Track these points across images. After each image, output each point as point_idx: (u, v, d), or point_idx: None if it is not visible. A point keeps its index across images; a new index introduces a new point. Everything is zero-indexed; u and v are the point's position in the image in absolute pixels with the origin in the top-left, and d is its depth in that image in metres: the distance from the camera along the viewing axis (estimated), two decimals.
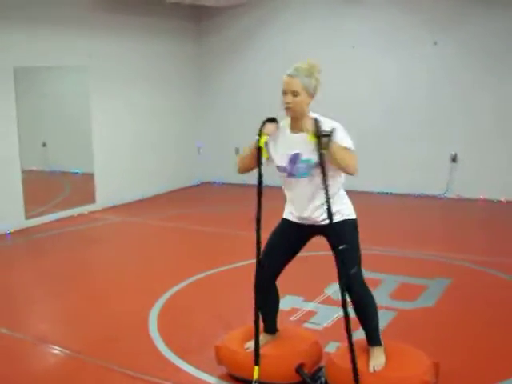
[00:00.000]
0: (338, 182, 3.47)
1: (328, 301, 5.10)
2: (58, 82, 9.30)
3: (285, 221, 3.65)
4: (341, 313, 4.70)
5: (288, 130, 3.49)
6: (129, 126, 9.58)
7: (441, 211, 8.86)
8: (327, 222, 3.38)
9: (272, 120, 3.46)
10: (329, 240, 3.54)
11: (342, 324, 4.50)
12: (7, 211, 7.75)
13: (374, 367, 3.43)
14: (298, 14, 9.97)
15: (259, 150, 3.45)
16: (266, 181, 3.57)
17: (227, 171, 10.92)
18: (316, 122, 3.29)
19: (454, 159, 9.14)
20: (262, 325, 3.75)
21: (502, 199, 8.86)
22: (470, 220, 8.18)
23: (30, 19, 7.89)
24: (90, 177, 9.12)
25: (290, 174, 3.46)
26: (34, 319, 5.13)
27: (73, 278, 6.03)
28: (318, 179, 3.35)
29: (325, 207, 3.34)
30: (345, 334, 4.05)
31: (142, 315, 4.90)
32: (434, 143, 9.23)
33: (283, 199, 3.68)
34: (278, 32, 10.19)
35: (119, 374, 3.96)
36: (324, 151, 3.25)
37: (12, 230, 7.73)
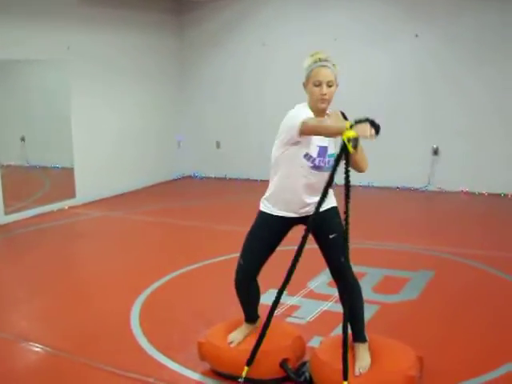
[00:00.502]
0: None
1: (311, 294, 5.08)
2: (38, 76, 9.18)
3: (267, 215, 3.52)
4: (324, 307, 4.76)
5: None
6: (109, 121, 9.48)
7: (423, 204, 8.89)
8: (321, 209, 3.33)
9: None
10: (314, 230, 3.44)
11: (326, 318, 4.54)
12: None
13: (359, 369, 3.37)
14: (279, 7, 9.94)
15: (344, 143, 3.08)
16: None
17: (208, 165, 10.92)
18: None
19: (435, 152, 9.16)
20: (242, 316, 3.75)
21: (484, 192, 8.90)
22: (452, 213, 8.20)
23: (8, 12, 7.76)
24: (69, 171, 9.02)
25: (316, 167, 3.38)
26: (14, 317, 5.04)
27: (53, 275, 5.95)
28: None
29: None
30: (328, 328, 4.06)
31: (123, 311, 4.84)
32: (415, 136, 9.26)
33: (261, 193, 3.61)
34: (259, 25, 10.15)
35: (101, 371, 3.90)
36: (353, 151, 3.09)
37: None
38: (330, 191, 3.41)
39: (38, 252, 6.77)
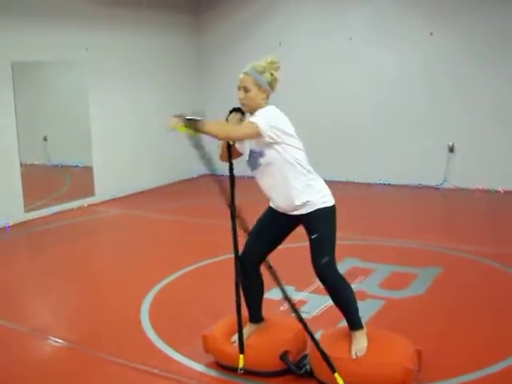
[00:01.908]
0: (297, 172, 3.52)
1: (319, 290, 5.11)
2: (58, 77, 9.38)
3: (270, 207, 3.80)
4: (330, 302, 4.81)
5: None
6: (127, 120, 9.62)
7: (438, 201, 8.89)
8: (297, 212, 3.55)
9: (237, 110, 3.61)
10: (305, 229, 3.63)
11: (331, 313, 4.60)
12: (6, 204, 7.82)
13: (355, 353, 3.48)
14: (295, 7, 9.97)
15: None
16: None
17: (226, 163, 10.98)
18: (180, 115, 3.53)
19: (451, 149, 9.15)
20: (247, 315, 3.85)
21: (500, 189, 8.87)
22: (466, 210, 8.20)
23: (27, 14, 7.95)
24: (90, 170, 9.18)
25: (251, 168, 3.68)
26: (30, 311, 5.20)
27: (69, 271, 6.10)
28: (271, 170, 3.55)
29: (292, 198, 3.52)
30: (333, 323, 4.13)
31: (135, 306, 4.97)
32: (431, 133, 9.24)
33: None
34: (276, 25, 10.17)
35: (110, 363, 4.04)
36: (194, 135, 3.57)
37: (11, 223, 7.80)
38: (323, 192, 3.57)
39: (56, 248, 6.93)
